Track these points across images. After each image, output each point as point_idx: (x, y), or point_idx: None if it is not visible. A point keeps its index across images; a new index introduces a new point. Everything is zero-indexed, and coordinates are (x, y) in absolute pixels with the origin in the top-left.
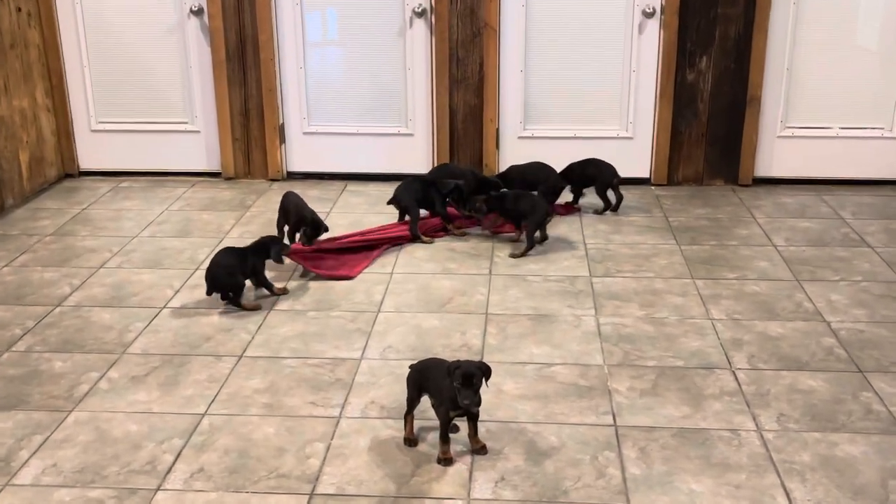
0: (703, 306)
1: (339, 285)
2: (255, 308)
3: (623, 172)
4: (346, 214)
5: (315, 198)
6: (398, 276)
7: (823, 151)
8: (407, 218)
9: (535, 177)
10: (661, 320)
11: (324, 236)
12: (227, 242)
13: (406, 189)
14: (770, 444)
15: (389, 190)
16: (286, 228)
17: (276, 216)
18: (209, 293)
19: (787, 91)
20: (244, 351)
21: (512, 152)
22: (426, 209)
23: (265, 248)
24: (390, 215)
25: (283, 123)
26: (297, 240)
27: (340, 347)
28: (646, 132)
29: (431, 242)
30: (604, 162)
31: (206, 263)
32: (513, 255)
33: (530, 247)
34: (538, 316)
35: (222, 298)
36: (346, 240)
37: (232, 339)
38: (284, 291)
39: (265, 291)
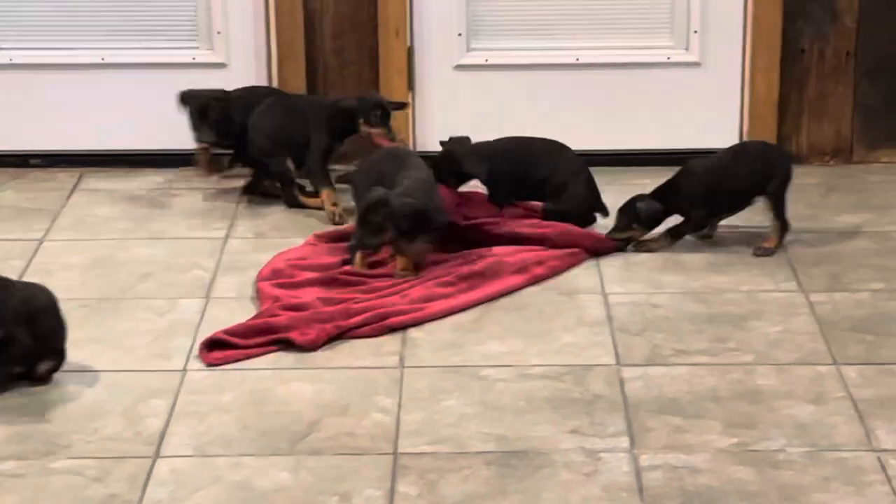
0: (861, 423)
1: (65, 396)
2: None
3: (681, 141)
4: (79, 245)
5: (9, 207)
6: (199, 376)
7: None
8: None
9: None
10: (772, 457)
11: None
12: None
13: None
14: None
15: (176, 187)
16: None
17: None
18: None
19: None
20: None
21: (443, 97)
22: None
23: None
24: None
25: None
26: None
27: None
28: (729, 54)
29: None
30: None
31: None
32: (762, 251)
33: (785, 227)
34: (507, 455)
35: None
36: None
37: None
38: None
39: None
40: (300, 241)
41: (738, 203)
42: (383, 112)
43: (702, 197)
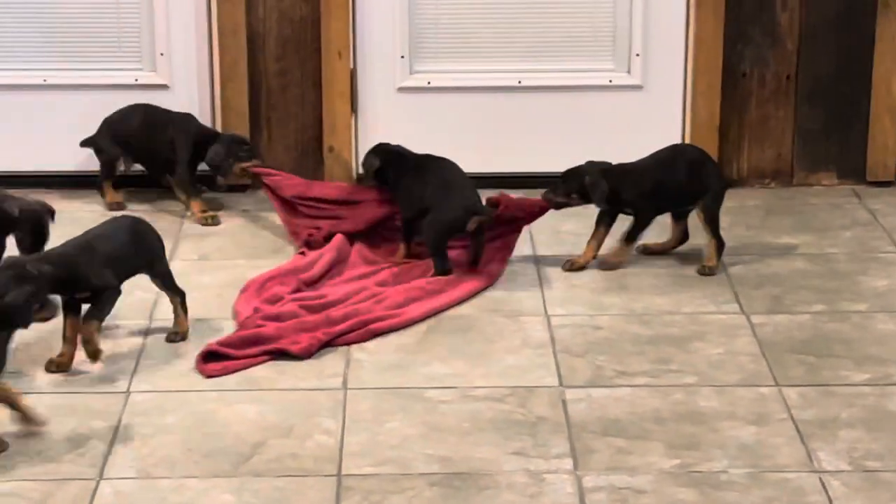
0: (802, 444)
1: (6, 418)
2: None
3: (618, 158)
4: None
5: None
6: (142, 398)
7: None
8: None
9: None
10: (715, 478)
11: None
12: None
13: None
14: None
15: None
16: None
17: None
18: None
19: None
20: None
21: (385, 119)
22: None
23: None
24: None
25: None
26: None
27: None
28: (671, 77)
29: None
30: None
31: None
32: (708, 270)
33: (721, 245)
34: (451, 476)
35: None
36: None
37: None
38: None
39: None
40: (244, 262)
41: (678, 204)
42: (249, 148)
43: (649, 194)
